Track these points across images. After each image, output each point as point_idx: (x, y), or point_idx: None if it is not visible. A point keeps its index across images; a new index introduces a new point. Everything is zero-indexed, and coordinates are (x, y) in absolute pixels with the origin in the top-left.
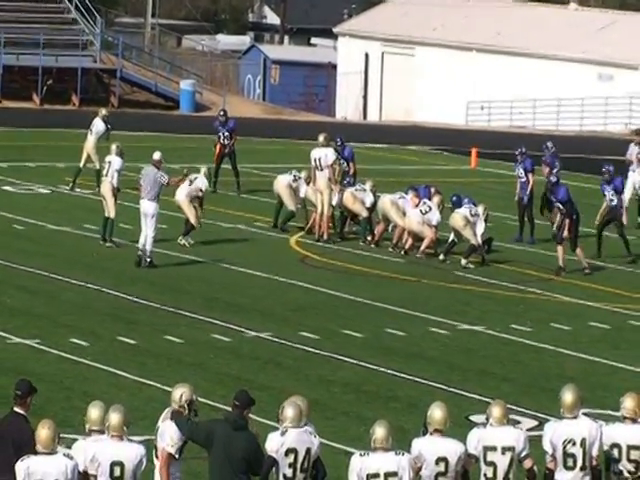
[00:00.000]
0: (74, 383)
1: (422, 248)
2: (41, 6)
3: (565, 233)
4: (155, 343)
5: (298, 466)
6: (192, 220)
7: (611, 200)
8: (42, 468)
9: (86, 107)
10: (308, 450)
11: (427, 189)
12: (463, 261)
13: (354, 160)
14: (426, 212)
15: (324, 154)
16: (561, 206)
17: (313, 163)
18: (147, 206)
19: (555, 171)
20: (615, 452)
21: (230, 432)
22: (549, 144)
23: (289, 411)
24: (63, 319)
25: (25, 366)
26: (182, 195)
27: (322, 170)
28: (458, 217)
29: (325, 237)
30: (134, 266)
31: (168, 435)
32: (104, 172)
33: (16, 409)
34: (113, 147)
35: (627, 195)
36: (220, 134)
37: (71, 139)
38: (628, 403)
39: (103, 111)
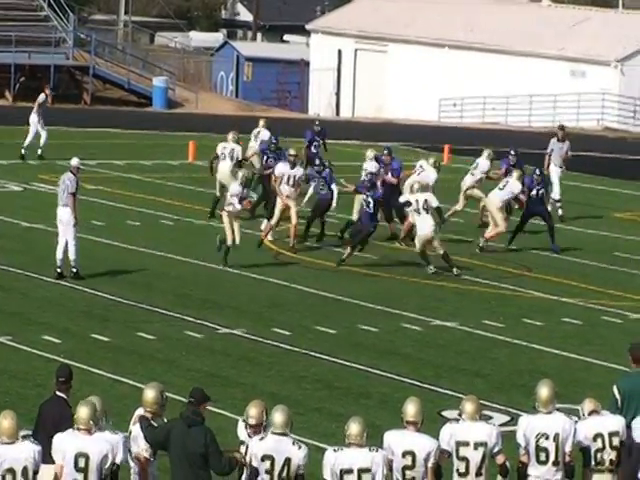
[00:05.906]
0: (46, 380)
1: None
2: (13, 3)
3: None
4: (128, 340)
5: (275, 474)
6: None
7: None
8: (10, 455)
9: (59, 104)
10: (287, 460)
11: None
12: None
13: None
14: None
15: (299, 172)
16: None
17: (286, 180)
18: (63, 213)
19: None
20: (599, 442)
21: (185, 429)
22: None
23: (277, 417)
24: (36, 316)
25: None
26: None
27: (293, 186)
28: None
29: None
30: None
31: (141, 440)
32: None
33: (58, 393)
34: None
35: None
36: None
37: None
38: (588, 404)
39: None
